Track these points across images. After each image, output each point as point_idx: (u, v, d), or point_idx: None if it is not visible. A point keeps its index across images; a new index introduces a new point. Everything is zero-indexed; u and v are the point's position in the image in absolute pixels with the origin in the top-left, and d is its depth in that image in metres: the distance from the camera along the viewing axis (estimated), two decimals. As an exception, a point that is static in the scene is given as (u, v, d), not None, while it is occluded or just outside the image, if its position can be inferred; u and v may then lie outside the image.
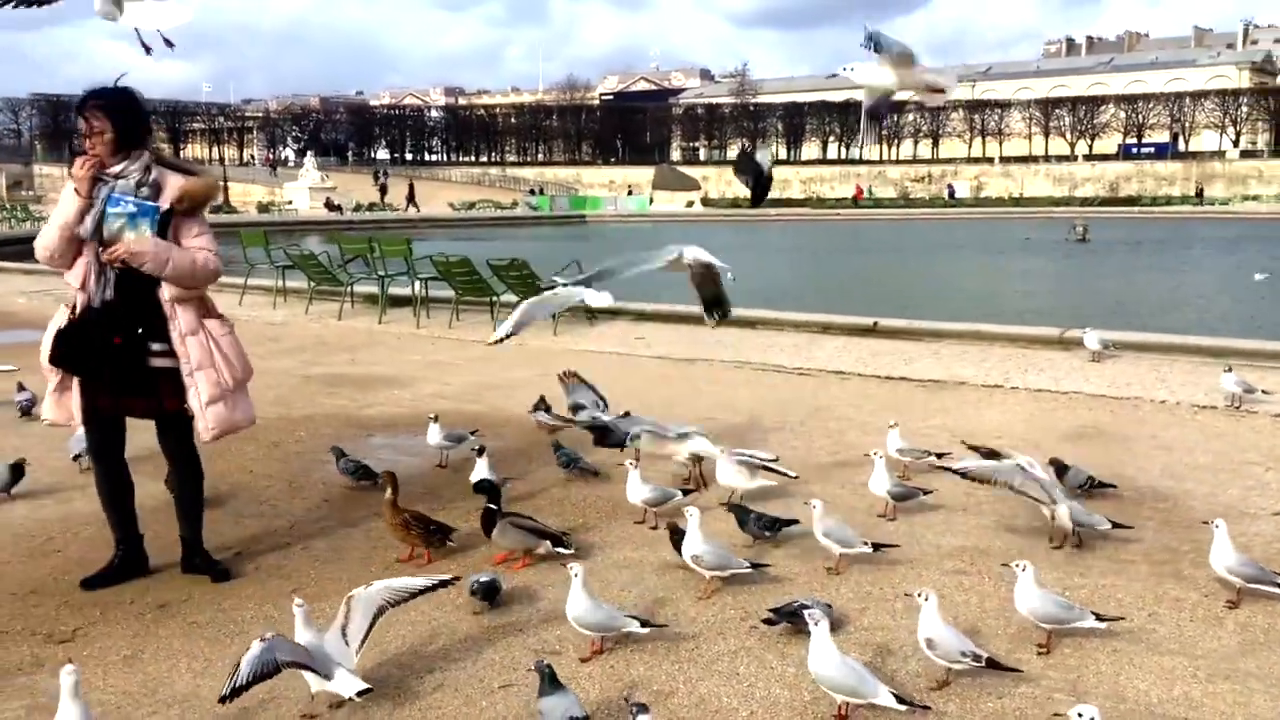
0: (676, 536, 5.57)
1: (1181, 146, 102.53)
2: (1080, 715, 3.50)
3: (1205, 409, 9.40)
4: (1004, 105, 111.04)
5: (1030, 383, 10.57)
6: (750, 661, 4.72)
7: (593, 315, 15.14)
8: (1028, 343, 12.32)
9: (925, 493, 6.69)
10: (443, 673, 4.65)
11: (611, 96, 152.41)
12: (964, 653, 4.35)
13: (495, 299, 15.14)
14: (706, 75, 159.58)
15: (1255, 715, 4.15)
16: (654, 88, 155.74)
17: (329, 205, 64.49)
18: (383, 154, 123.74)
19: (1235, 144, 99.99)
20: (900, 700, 4.04)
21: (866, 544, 5.66)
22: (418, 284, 16.01)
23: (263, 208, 63.28)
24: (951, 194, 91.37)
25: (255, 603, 5.45)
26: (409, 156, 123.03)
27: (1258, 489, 7.11)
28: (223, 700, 3.94)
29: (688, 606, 5.34)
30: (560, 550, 5.81)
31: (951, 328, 12.94)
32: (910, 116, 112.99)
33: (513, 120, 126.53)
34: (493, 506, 5.79)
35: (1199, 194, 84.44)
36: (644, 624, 4.80)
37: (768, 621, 4.91)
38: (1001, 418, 9.30)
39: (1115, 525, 6.05)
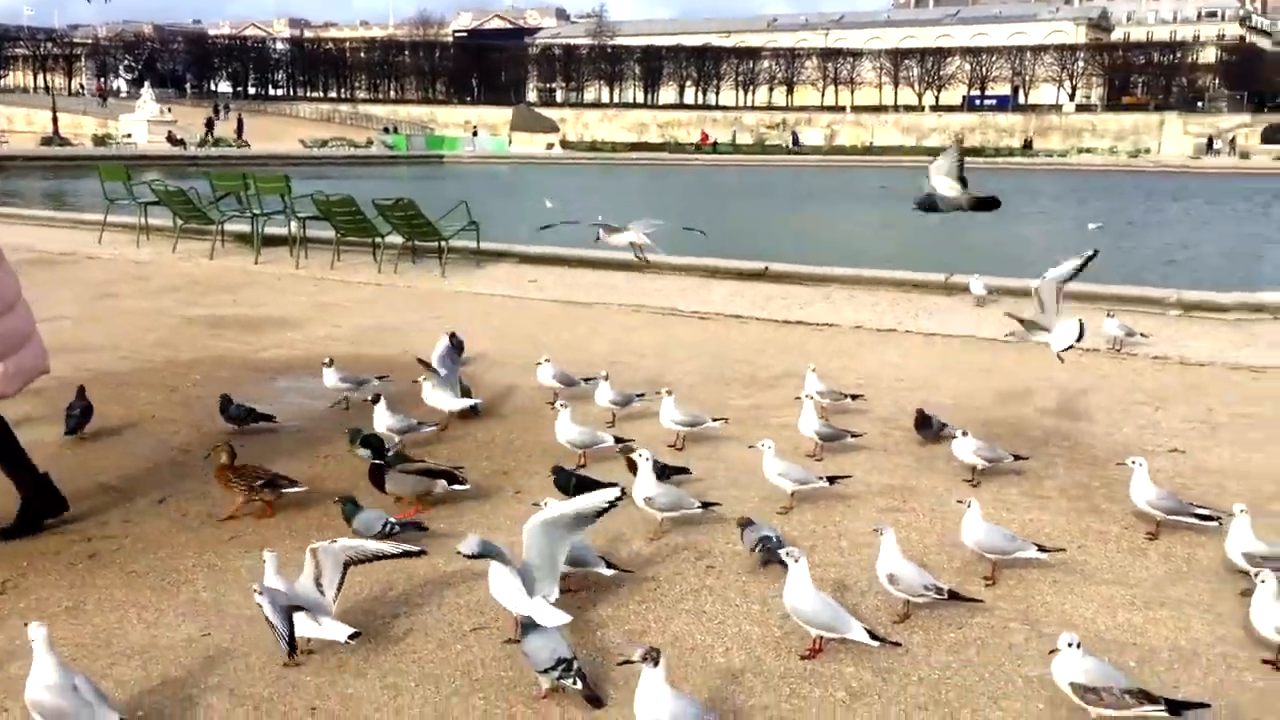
0: (634, 472, 5.57)
1: (1022, 99, 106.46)
2: (1070, 644, 3.69)
3: (1090, 352, 9.86)
4: (855, 54, 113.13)
5: (922, 327, 10.92)
6: (714, 600, 4.79)
7: (480, 256, 14.95)
8: (913, 288, 12.68)
9: (854, 435, 6.86)
10: (409, 618, 4.60)
11: (465, 34, 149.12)
12: (926, 586, 4.51)
13: (380, 240, 14.75)
14: (562, 15, 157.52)
15: (1196, 639, 4.43)
16: (509, 26, 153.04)
17: (171, 139, 61.46)
18: (224, 87, 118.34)
19: (1071, 98, 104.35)
20: (873, 636, 4.18)
21: (822, 478, 5.80)
22: (295, 223, 15.43)
23: (99, 140, 59.74)
24: (795, 141, 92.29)
25: (194, 551, 5.26)
26: (251, 91, 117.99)
27: (1150, 427, 7.53)
28: (291, 655, 4.11)
29: (641, 547, 5.38)
30: (456, 488, 5.80)
31: (840, 273, 13.21)
32: (765, 64, 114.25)
33: (363, 56, 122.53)
34: (378, 461, 5.71)
35: (1027, 145, 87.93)
36: (609, 565, 4.82)
37: (765, 562, 5.01)
38: (901, 360, 9.58)
39: (1016, 457, 6.37)
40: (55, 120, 66.89)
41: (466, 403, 7.35)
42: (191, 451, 6.80)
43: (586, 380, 7.92)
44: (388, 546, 4.52)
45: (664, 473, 5.91)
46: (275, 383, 8.73)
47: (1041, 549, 5.01)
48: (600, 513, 4.32)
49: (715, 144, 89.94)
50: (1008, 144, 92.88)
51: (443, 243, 14.27)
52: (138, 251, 16.45)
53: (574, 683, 3.86)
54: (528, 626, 4.08)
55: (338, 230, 14.88)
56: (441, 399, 7.24)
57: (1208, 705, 3.78)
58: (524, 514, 4.65)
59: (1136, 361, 9.56)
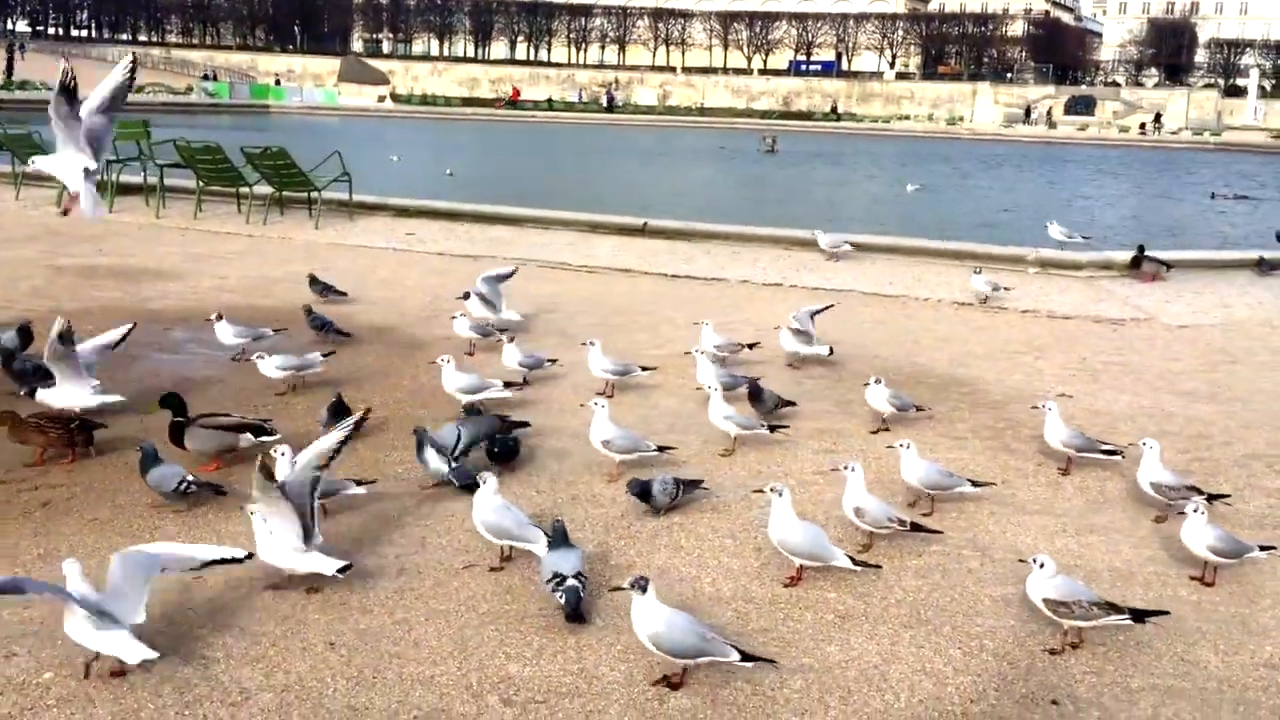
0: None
1: (845, 66, 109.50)
2: (1041, 564, 4.08)
3: (963, 305, 10.51)
4: (686, 15, 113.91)
5: (806, 281, 11.36)
6: (688, 536, 5.04)
7: (352, 209, 14.69)
8: (791, 244, 13.14)
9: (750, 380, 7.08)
10: (400, 559, 4.68)
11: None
12: (890, 518, 4.86)
13: (248, 189, 14.29)
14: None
15: (1129, 560, 4.93)
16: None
17: (-28, 81, 57.14)
18: (22, 26, 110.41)
19: (891, 66, 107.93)
20: (855, 562, 4.51)
21: (763, 425, 6.10)
22: (154, 171, 14.79)
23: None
24: (610, 102, 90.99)
25: (152, 496, 5.16)
26: (52, 31, 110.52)
27: (1035, 375, 8.13)
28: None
29: (601, 489, 5.57)
30: (265, 439, 5.57)
31: (718, 229, 13.58)
32: (598, 21, 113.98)
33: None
34: (179, 418, 5.55)
35: (833, 111, 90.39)
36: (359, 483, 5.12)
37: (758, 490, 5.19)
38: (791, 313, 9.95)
39: (918, 409, 6.78)
40: None
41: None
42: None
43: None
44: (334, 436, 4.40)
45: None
46: (172, 333, 8.49)
47: (974, 483, 5.43)
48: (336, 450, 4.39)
49: (567, 101, 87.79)
50: (834, 108, 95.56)
51: (316, 194, 13.95)
52: (-10, 201, 15.47)
53: (560, 597, 4.08)
54: (552, 543, 4.29)
55: (201, 179, 14.36)
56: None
57: (1167, 613, 4.25)
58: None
59: (1007, 314, 10.24)
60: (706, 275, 11.56)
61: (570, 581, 4.11)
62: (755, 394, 6.65)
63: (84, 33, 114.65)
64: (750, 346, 8.10)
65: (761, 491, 4.73)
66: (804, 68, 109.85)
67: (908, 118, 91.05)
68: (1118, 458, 5.94)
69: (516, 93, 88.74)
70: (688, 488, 5.29)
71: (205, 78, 76.87)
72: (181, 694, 3.61)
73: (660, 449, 5.76)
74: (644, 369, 7.26)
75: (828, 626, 4.23)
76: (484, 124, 66.78)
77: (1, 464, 5.53)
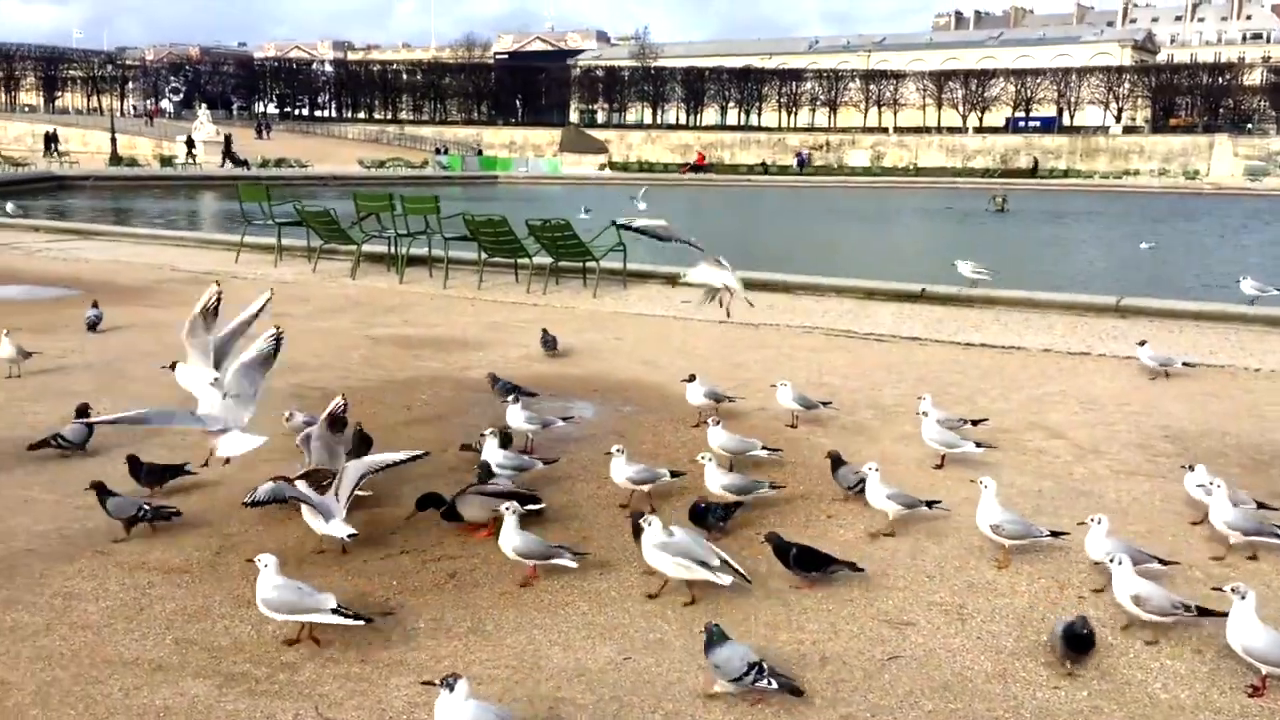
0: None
1: (1066, 121, 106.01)
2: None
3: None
4: (898, 76, 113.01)
5: (1114, 349, 10.87)
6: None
7: (625, 277, 15.04)
8: (1083, 310, 12.65)
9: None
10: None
11: (507, 56, 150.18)
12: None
13: (528, 260, 14.86)
14: (603, 37, 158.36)
15: None
16: (550, 48, 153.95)
17: (233, 160, 62.13)
18: (272, 109, 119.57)
19: (1117, 119, 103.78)
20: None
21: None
22: (441, 244, 15.59)
23: (165, 161, 60.45)
24: (801, 163, 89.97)
25: (549, 572, 5.30)
26: (296, 112, 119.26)
27: None
28: (245, 505, 5.29)
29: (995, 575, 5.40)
30: (532, 506, 5.79)
31: (1003, 295, 13.23)
32: (808, 85, 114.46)
33: (408, 78, 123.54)
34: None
35: (1034, 168, 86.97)
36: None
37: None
38: (1111, 385, 9.54)
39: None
40: (114, 141, 67.83)
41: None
42: (461, 470, 6.83)
43: (825, 404, 8.15)
44: (397, 455, 5.85)
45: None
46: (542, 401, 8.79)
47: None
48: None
49: (709, 165, 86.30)
50: (1052, 165, 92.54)
51: (594, 263, 14.37)
52: (277, 271, 16.62)
53: (768, 683, 4.04)
54: (713, 639, 4.17)
55: (485, 250, 15.01)
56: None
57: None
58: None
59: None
60: (1002, 344, 11.23)
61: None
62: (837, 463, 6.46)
63: (323, 112, 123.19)
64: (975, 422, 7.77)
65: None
66: (1022, 124, 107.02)
67: (1136, 173, 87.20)
68: None
69: (701, 158, 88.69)
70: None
71: (437, 151, 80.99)
72: None
73: (1054, 534, 5.56)
74: (978, 445, 7.04)
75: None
76: (697, 188, 67.68)
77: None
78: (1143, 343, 9.94)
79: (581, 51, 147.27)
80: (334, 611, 4.42)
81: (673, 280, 15.34)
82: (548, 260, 14.85)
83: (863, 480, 6.08)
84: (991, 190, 53.83)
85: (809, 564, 5.11)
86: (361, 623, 4.47)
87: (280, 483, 5.26)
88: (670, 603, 4.97)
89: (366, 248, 16.85)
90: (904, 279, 14.85)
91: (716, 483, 6.08)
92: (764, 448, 6.99)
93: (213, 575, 5.23)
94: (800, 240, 30.16)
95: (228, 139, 67.67)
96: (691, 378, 8.16)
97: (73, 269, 16.69)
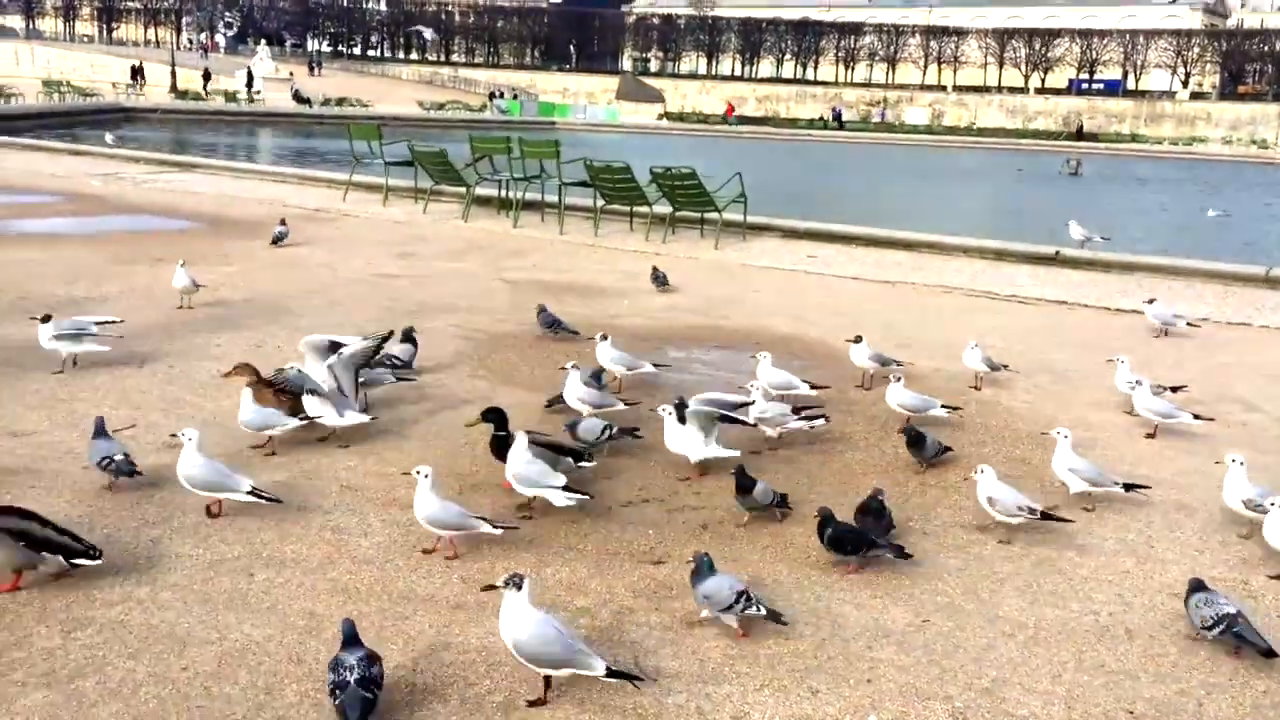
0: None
1: (1131, 84, 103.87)
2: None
3: None
4: (960, 33, 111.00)
5: (1272, 321, 10.63)
6: None
7: (745, 230, 14.88)
8: (1230, 279, 12.39)
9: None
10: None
11: (560, 1, 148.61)
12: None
13: (648, 209, 14.72)
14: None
15: None
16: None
17: (296, 97, 62.02)
18: (324, 47, 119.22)
19: (1185, 85, 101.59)
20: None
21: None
22: (554, 190, 15.48)
23: (229, 97, 60.43)
24: (837, 117, 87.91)
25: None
26: (348, 51, 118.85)
27: None
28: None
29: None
30: (584, 464, 5.57)
31: (1137, 260, 13.00)
32: (867, 39, 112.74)
33: (460, 20, 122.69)
34: (501, 433, 5.48)
35: (1079, 132, 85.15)
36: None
37: None
38: (1281, 356, 9.33)
39: None
40: (174, 74, 67.76)
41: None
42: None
43: (1004, 367, 8.05)
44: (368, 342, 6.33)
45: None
46: (677, 352, 8.72)
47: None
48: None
49: (740, 117, 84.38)
50: (1115, 129, 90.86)
51: (716, 214, 14.22)
52: (387, 211, 16.58)
53: (756, 609, 4.11)
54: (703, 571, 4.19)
55: (604, 197, 14.88)
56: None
57: None
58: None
59: None
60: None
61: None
62: (915, 440, 6.16)
63: (374, 52, 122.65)
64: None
65: None
66: (1085, 86, 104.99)
67: (1203, 140, 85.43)
68: None
69: (730, 109, 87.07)
70: None
71: (493, 95, 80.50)
72: None
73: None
74: (1196, 417, 6.88)
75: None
76: (756, 141, 66.92)
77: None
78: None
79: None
80: (249, 493, 4.91)
81: (791, 234, 15.20)
82: (667, 210, 14.70)
83: (944, 449, 6.12)
84: (1063, 152, 52.98)
85: (846, 546, 4.77)
86: (277, 502, 5.03)
87: (303, 374, 6.07)
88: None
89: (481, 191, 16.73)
90: (1023, 240, 14.58)
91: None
92: (944, 406, 6.87)
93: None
94: (882, 198, 29.78)
95: (292, 75, 67.67)
96: (858, 339, 7.99)
97: (186, 202, 16.71)
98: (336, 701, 3.41)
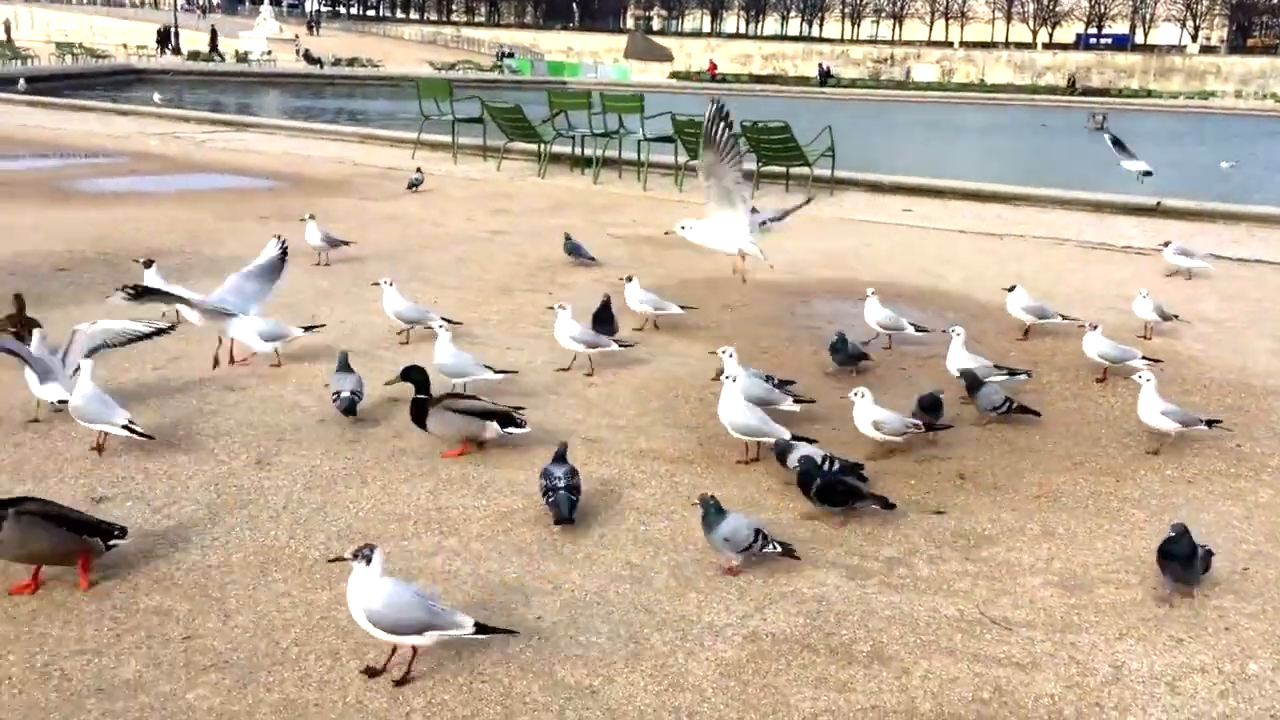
0: None
1: (1139, 38, 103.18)
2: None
3: None
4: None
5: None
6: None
7: (832, 185, 14.69)
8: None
9: None
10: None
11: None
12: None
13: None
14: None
15: None
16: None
17: (307, 58, 61.28)
18: (326, 8, 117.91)
19: (1194, 39, 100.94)
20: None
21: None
22: (639, 146, 15.26)
23: (240, 57, 59.70)
24: (824, 77, 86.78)
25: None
26: (346, 11, 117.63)
27: None
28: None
29: None
30: (513, 430, 5.16)
31: (1250, 210, 12.82)
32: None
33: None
34: (421, 396, 5.10)
35: (1071, 86, 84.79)
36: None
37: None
38: None
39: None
40: (177, 35, 66.84)
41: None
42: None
43: (1175, 317, 7.89)
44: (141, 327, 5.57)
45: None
46: (826, 305, 8.59)
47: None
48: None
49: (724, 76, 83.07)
50: (1125, 84, 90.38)
51: (808, 168, 14.03)
52: (460, 169, 16.34)
53: (772, 547, 4.06)
54: (711, 514, 4.05)
55: (688, 152, 14.66)
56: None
57: None
58: None
59: None
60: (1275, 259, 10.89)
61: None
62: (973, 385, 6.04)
63: (373, 11, 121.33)
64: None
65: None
66: (1093, 41, 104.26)
67: (1213, 94, 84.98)
68: None
69: (713, 66, 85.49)
70: None
71: (501, 55, 79.74)
72: None
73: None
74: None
75: None
76: (780, 99, 66.26)
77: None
78: None
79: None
80: (124, 427, 4.80)
81: (877, 188, 15.02)
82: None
83: (1009, 401, 5.82)
84: (1077, 108, 52.70)
85: (832, 498, 4.52)
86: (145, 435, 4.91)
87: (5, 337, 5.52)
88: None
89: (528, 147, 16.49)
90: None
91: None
92: (1144, 357, 6.76)
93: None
94: (924, 151, 29.53)
95: (297, 37, 66.92)
96: (1012, 288, 7.85)
97: (253, 160, 16.46)
98: (550, 500, 4.36)
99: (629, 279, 7.54)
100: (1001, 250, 11.30)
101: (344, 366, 5.55)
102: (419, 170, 14.22)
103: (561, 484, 4.36)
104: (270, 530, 4.25)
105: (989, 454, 5.44)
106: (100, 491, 4.52)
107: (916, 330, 7.15)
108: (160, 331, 5.74)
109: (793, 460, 4.74)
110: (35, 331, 5.47)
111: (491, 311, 7.89)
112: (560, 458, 4.47)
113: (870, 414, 5.22)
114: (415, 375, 5.11)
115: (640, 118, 14.98)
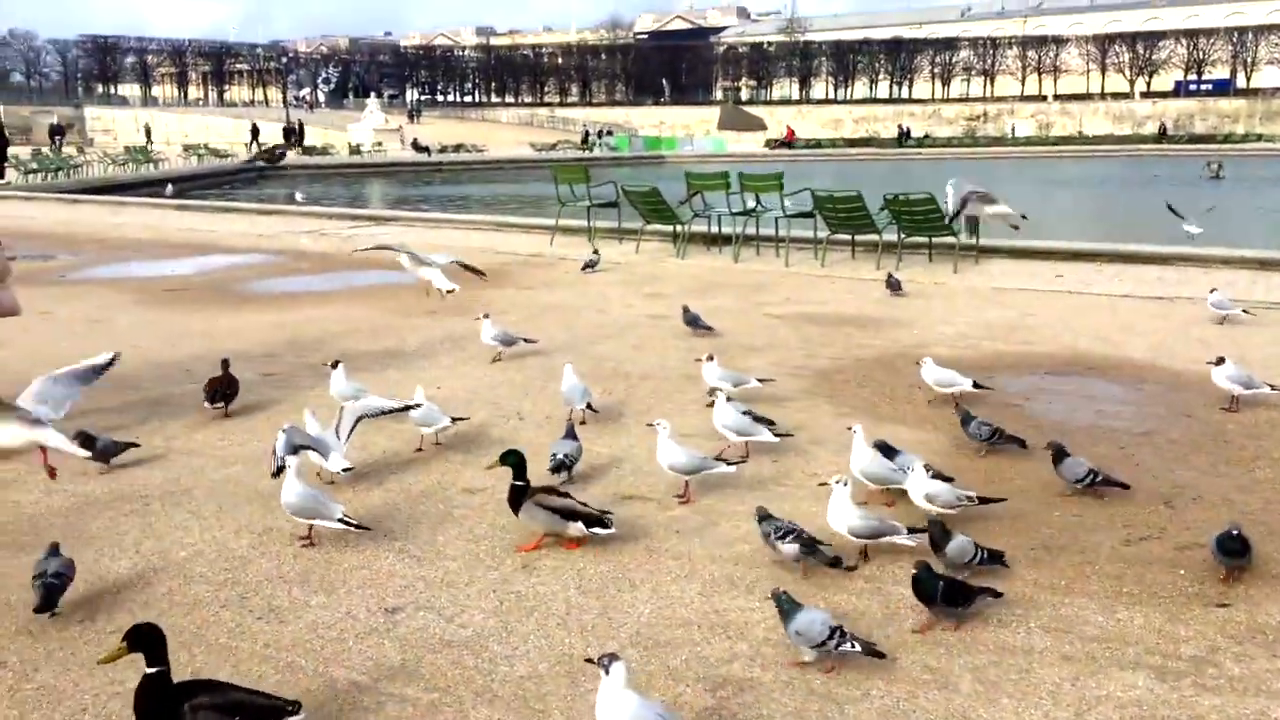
0: None
1: (1241, 82, 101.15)
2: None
3: None
4: (1060, 41, 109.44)
5: None
6: None
7: (978, 253, 14.61)
8: None
9: None
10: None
11: (648, 36, 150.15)
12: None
13: (877, 236, 14.56)
14: (743, 14, 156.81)
15: None
16: (691, 26, 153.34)
17: (415, 146, 63.36)
18: (424, 96, 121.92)
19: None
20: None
21: None
22: (777, 222, 15.43)
23: (354, 150, 61.88)
24: (904, 136, 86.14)
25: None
26: (443, 98, 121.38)
27: None
28: (275, 475, 5.42)
29: None
30: (598, 530, 5.13)
31: None
32: (963, 54, 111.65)
33: (556, 60, 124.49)
34: (519, 482, 5.14)
35: (1162, 133, 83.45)
36: None
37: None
38: None
39: None
40: (301, 130, 69.73)
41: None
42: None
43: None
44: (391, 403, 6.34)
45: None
46: (1016, 382, 8.53)
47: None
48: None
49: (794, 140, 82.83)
50: (1229, 129, 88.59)
51: (954, 238, 14.01)
52: (598, 254, 16.63)
53: (851, 645, 3.95)
54: (786, 607, 4.01)
55: (830, 226, 14.76)
56: None
57: None
58: None
59: None
60: None
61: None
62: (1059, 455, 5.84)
63: (468, 97, 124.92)
64: None
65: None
66: (1194, 87, 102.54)
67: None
68: None
69: (791, 133, 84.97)
70: None
71: (600, 134, 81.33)
72: None
73: None
74: None
75: None
76: (886, 161, 66.25)
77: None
78: None
79: (723, 29, 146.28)
80: (340, 520, 5.13)
81: (1022, 254, 14.90)
82: (894, 238, 14.53)
83: (1093, 473, 5.66)
84: (1194, 157, 51.72)
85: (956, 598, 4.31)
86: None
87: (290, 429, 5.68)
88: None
89: (677, 228, 16.74)
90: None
91: None
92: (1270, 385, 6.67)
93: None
94: (1053, 209, 29.16)
95: (401, 127, 69.21)
96: (1220, 360, 7.68)
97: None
98: None
99: (709, 358, 7.73)
100: (1173, 315, 11.10)
101: (570, 434, 6.21)
102: (596, 251, 15.03)
103: None
104: (562, 638, 4.35)
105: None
106: (390, 602, 4.68)
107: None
108: (409, 407, 6.42)
109: (951, 548, 4.70)
110: (305, 411, 6.20)
111: (688, 401, 7.98)
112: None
113: (924, 487, 5.23)
114: (513, 460, 5.17)
115: (780, 194, 15.14)
